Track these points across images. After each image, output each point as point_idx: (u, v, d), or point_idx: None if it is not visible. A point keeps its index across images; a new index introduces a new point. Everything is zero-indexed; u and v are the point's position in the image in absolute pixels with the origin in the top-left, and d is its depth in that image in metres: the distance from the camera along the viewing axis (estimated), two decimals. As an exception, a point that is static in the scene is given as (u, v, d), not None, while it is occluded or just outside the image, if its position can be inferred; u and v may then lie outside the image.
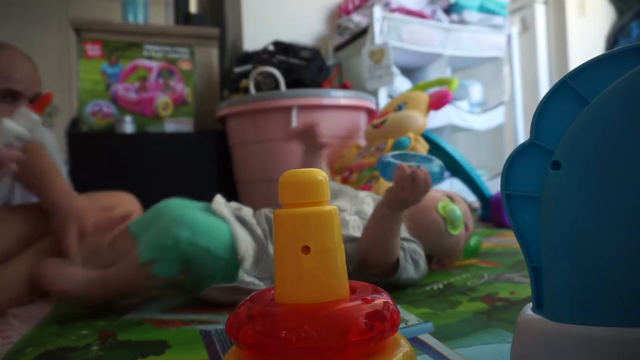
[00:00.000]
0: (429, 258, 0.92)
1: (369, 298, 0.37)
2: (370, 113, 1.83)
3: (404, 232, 0.87)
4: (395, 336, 0.39)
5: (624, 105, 0.34)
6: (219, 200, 0.86)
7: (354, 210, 0.92)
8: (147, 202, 1.13)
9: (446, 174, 1.58)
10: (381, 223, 0.77)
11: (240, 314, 0.37)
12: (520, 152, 0.39)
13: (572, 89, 0.37)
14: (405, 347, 0.38)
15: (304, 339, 0.33)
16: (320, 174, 0.38)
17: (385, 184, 1.17)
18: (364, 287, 0.40)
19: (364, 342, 0.34)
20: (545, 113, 0.38)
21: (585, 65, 0.37)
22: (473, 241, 1.07)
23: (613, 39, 2.60)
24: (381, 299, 0.37)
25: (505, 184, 0.40)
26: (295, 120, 1.61)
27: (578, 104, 0.36)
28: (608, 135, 0.34)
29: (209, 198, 0.87)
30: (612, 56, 0.36)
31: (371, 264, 0.79)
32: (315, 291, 0.36)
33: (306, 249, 0.37)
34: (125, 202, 1.07)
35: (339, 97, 1.70)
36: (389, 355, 0.36)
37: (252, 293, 0.41)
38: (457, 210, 0.93)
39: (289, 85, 1.74)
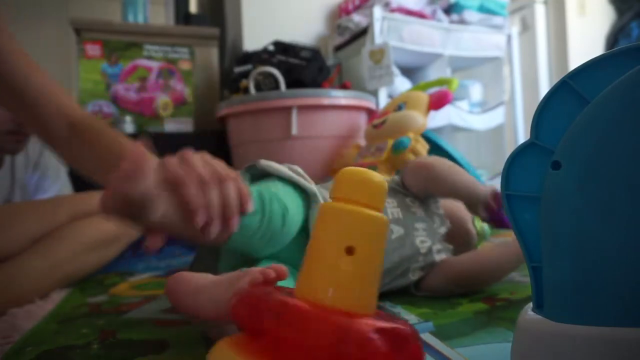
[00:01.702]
0: None
1: (395, 324, 0.33)
2: (370, 113, 1.83)
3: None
4: None
5: (624, 105, 0.34)
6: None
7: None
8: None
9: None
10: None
11: (259, 299, 0.34)
12: (520, 152, 0.40)
13: (572, 89, 0.37)
14: None
15: (306, 336, 0.31)
16: (382, 179, 0.36)
17: None
18: (389, 316, 0.37)
19: None
20: (546, 113, 0.38)
21: (585, 65, 0.37)
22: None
23: (613, 39, 2.61)
24: (406, 328, 0.34)
25: (505, 184, 0.40)
26: (295, 121, 1.61)
27: (578, 104, 0.37)
28: (608, 135, 0.34)
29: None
30: (612, 56, 0.36)
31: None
32: (343, 298, 0.33)
33: (351, 250, 0.34)
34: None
35: (339, 97, 1.70)
36: None
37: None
38: (486, 226, 0.93)
39: (289, 85, 1.74)
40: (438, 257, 0.77)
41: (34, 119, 0.71)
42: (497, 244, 0.80)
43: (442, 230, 0.80)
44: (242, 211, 0.52)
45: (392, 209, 0.77)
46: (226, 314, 0.42)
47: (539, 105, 0.39)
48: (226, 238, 0.53)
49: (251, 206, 0.53)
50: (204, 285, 0.48)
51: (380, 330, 0.31)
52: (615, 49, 0.36)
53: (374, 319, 0.33)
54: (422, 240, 0.76)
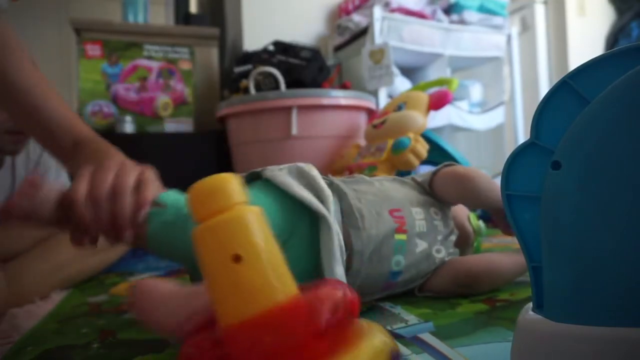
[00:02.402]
0: None
1: (315, 291, 0.34)
2: (370, 113, 1.83)
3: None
4: (368, 324, 0.37)
5: (624, 105, 0.34)
6: None
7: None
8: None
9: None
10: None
11: (190, 351, 0.34)
12: (520, 152, 0.40)
13: (573, 89, 0.37)
14: (377, 336, 0.35)
15: (264, 350, 0.31)
16: (225, 176, 0.36)
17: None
18: (319, 283, 0.37)
19: (319, 334, 0.32)
20: (546, 113, 0.38)
21: (585, 65, 0.37)
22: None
23: (613, 39, 2.61)
24: (331, 288, 0.35)
25: (505, 184, 0.40)
26: (295, 121, 1.61)
27: (578, 104, 0.36)
28: (608, 135, 0.34)
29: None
30: (612, 56, 0.36)
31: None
32: (260, 300, 0.33)
33: (237, 258, 0.33)
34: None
35: (339, 97, 1.70)
36: (354, 345, 0.33)
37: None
38: (482, 222, 0.92)
39: (289, 85, 1.74)
40: (447, 259, 0.76)
41: (45, 135, 0.75)
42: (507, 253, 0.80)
43: (453, 238, 0.78)
44: (135, 222, 0.53)
45: (419, 221, 0.74)
46: (182, 330, 0.41)
47: (539, 105, 0.39)
48: (134, 243, 0.54)
49: (144, 216, 0.53)
50: (162, 298, 0.48)
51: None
52: (615, 49, 0.36)
53: (294, 299, 0.34)
54: (438, 249, 0.75)
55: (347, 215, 0.68)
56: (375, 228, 0.69)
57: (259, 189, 0.64)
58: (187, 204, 0.36)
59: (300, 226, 0.62)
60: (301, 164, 0.68)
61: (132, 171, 0.54)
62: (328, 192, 0.64)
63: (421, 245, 0.73)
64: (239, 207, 0.35)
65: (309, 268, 0.62)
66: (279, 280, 0.34)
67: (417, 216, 0.75)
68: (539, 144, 0.39)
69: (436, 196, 0.80)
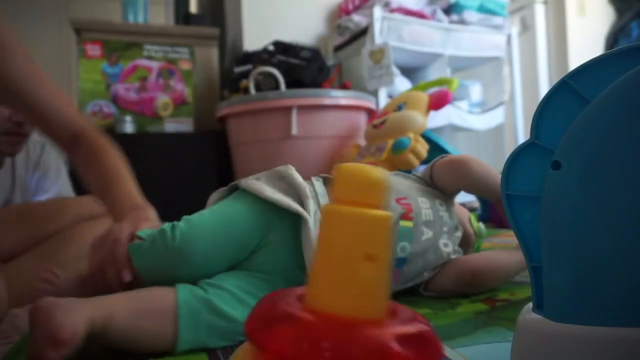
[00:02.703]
0: None
1: (409, 323, 0.32)
2: (370, 113, 1.83)
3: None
4: None
5: (624, 105, 0.34)
6: None
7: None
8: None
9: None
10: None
11: (270, 313, 0.32)
12: (520, 152, 0.40)
13: (573, 89, 0.37)
14: None
15: (342, 357, 0.29)
16: (384, 173, 0.34)
17: None
18: (406, 312, 0.35)
19: None
20: (546, 113, 0.38)
21: (585, 65, 0.37)
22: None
23: (613, 39, 2.60)
24: (422, 325, 0.33)
25: (505, 184, 0.40)
26: (295, 121, 1.61)
27: (578, 104, 0.37)
28: (608, 135, 0.34)
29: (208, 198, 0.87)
30: (612, 56, 0.36)
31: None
32: (365, 306, 0.32)
33: (372, 257, 0.32)
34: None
35: (339, 97, 1.70)
36: None
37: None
38: (482, 225, 0.92)
39: (289, 85, 1.74)
40: (452, 257, 0.77)
41: (44, 128, 0.80)
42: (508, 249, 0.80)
43: (459, 235, 0.79)
44: (121, 279, 0.60)
45: (425, 210, 0.76)
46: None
47: (539, 105, 0.39)
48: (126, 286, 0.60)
49: (128, 276, 0.60)
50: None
51: (402, 338, 0.30)
52: (615, 49, 0.36)
53: (394, 323, 0.32)
54: (445, 243, 0.76)
55: None
56: None
57: (233, 198, 0.67)
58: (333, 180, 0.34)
59: (281, 226, 0.64)
60: (279, 167, 0.70)
61: (109, 243, 0.62)
62: (305, 190, 0.66)
63: (427, 234, 0.74)
64: (383, 209, 0.33)
65: (294, 264, 0.64)
66: (383, 296, 0.33)
67: (423, 205, 0.76)
68: (539, 144, 0.39)
69: (437, 187, 0.81)
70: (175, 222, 0.61)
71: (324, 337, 0.29)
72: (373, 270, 0.32)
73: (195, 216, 0.62)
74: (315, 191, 0.69)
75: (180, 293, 0.56)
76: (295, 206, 0.64)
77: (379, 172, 0.33)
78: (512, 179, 0.40)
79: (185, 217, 0.62)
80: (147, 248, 0.60)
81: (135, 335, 0.54)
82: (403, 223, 0.73)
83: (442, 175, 0.81)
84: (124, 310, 0.53)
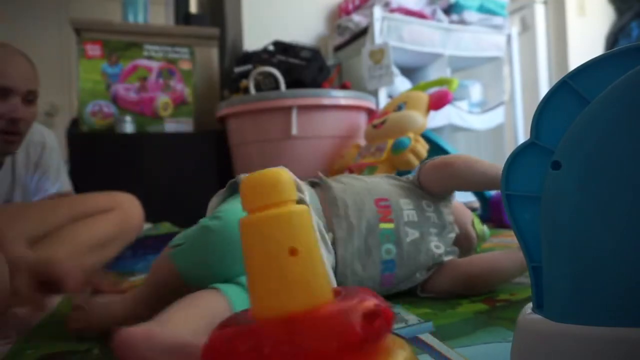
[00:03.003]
0: None
1: (357, 299, 0.34)
2: (370, 113, 1.83)
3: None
4: (394, 338, 0.37)
5: (624, 105, 0.34)
6: None
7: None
8: (146, 202, 1.13)
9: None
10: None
11: (217, 337, 0.33)
12: (521, 152, 0.40)
13: (573, 89, 0.37)
14: (406, 349, 0.36)
15: (297, 351, 0.30)
16: (279, 171, 0.36)
17: None
18: (350, 290, 0.37)
19: (359, 344, 0.31)
20: (546, 113, 0.38)
21: (585, 65, 0.37)
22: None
23: (613, 39, 2.60)
24: (371, 299, 0.34)
25: (505, 184, 0.40)
26: (295, 121, 1.61)
27: (578, 104, 0.37)
28: (608, 135, 0.34)
29: (208, 198, 0.87)
30: (612, 56, 0.36)
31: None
32: (304, 297, 0.33)
33: (294, 251, 0.33)
34: (125, 203, 1.07)
35: (339, 97, 1.70)
36: (388, 357, 0.33)
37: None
38: (486, 228, 0.92)
39: (289, 85, 1.74)
40: (446, 259, 0.76)
41: None
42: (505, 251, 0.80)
43: (452, 235, 0.79)
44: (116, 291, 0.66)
45: (408, 211, 0.76)
46: None
47: (539, 105, 0.39)
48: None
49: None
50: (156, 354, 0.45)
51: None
52: (615, 49, 0.36)
53: (338, 304, 0.33)
54: (437, 245, 0.76)
55: (331, 205, 0.73)
56: (356, 217, 0.72)
57: (235, 196, 0.67)
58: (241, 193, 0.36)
59: None
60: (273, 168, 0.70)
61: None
62: (301, 187, 0.67)
63: (412, 235, 0.74)
64: (292, 203, 0.35)
65: None
66: (322, 282, 0.34)
67: (406, 206, 0.77)
68: (539, 144, 0.39)
69: (425, 190, 0.81)
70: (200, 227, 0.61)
71: (265, 342, 0.30)
72: (299, 261, 0.33)
73: (221, 209, 0.62)
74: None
75: (227, 293, 0.56)
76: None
77: (277, 171, 0.35)
78: (512, 179, 0.40)
79: (212, 215, 0.62)
80: (187, 249, 0.61)
81: None
82: (383, 225, 0.73)
83: (428, 179, 0.81)
84: (185, 329, 0.49)
